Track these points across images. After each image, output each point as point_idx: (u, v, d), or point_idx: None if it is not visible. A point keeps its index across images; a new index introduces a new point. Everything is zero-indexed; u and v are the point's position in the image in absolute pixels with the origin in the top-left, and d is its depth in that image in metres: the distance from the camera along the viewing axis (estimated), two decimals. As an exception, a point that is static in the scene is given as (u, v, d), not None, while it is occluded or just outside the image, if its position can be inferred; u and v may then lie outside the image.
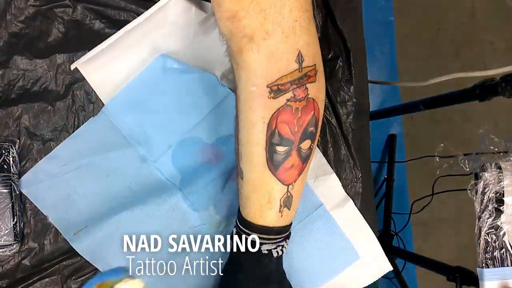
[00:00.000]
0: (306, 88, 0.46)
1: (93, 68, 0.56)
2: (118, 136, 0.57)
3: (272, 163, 0.47)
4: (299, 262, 0.59)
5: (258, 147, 0.47)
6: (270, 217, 0.49)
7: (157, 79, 0.57)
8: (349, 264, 0.59)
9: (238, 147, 0.49)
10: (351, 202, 0.60)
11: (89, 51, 0.55)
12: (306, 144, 0.48)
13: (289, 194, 0.50)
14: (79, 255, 0.56)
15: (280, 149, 0.47)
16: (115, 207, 0.56)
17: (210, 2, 0.48)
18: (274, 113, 0.45)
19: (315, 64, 0.46)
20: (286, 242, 0.51)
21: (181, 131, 0.58)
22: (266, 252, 0.49)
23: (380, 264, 0.61)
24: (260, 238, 0.48)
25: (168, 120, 0.58)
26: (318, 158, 0.60)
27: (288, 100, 0.45)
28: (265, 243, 0.49)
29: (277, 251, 0.50)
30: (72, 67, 0.55)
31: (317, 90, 0.47)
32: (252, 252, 0.48)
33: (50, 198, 0.56)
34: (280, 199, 0.49)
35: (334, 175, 0.60)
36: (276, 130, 0.46)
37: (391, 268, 0.61)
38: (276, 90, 0.45)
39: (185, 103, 0.58)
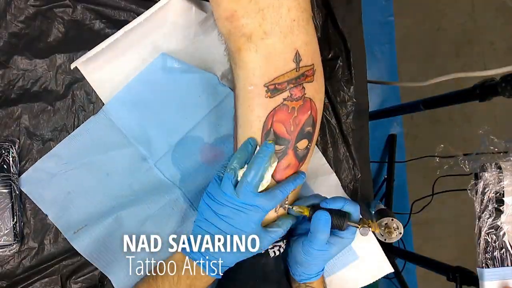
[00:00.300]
0: (303, 87, 0.46)
1: (93, 68, 0.56)
2: (118, 135, 0.57)
3: None
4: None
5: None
6: (267, 217, 0.49)
7: (157, 78, 0.57)
8: (348, 264, 0.59)
9: (236, 146, 0.49)
10: None
11: (89, 51, 0.55)
12: (302, 144, 0.48)
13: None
14: (79, 254, 0.56)
15: (275, 148, 0.47)
16: (116, 206, 0.56)
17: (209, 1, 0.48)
18: (271, 112, 0.45)
19: (313, 64, 0.46)
20: (283, 242, 0.51)
21: (182, 130, 0.58)
22: (263, 251, 0.49)
23: (380, 265, 0.60)
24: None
25: (169, 120, 0.58)
26: (318, 158, 0.60)
27: (284, 99, 0.45)
28: None
29: (274, 251, 0.50)
30: (72, 66, 0.55)
31: (314, 89, 0.47)
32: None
33: (49, 197, 0.56)
34: None
35: (334, 175, 0.60)
36: (272, 129, 0.46)
37: (391, 270, 0.61)
38: (273, 89, 0.45)
39: (185, 103, 0.58)
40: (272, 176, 0.48)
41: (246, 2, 0.42)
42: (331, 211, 0.48)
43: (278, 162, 0.48)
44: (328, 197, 0.51)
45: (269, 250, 0.50)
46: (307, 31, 0.46)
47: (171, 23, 0.57)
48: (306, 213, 0.49)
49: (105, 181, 0.57)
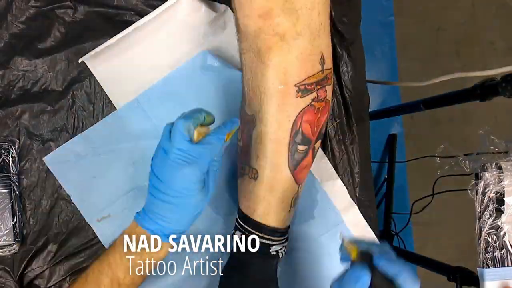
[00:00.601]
0: (326, 89, 0.47)
1: (100, 61, 0.56)
2: (149, 125, 0.57)
3: (292, 162, 0.47)
4: (314, 274, 0.59)
5: (281, 145, 0.46)
6: (281, 218, 0.49)
7: (195, 75, 0.57)
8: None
9: (251, 147, 0.49)
10: (355, 207, 0.60)
11: (89, 51, 0.55)
12: (318, 144, 0.49)
13: (298, 194, 0.50)
14: (79, 254, 0.56)
15: (301, 148, 0.47)
16: (139, 198, 0.56)
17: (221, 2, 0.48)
18: (300, 112, 0.45)
19: (332, 67, 0.47)
20: (287, 242, 0.51)
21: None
22: (274, 253, 0.49)
23: None
24: (269, 239, 0.48)
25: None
26: (324, 163, 0.60)
27: (312, 100, 0.46)
28: (274, 244, 0.49)
29: (281, 252, 0.50)
30: (80, 60, 0.55)
31: (330, 92, 0.49)
32: (259, 253, 0.48)
33: (74, 178, 0.56)
34: (292, 199, 0.49)
35: (340, 180, 0.60)
36: (300, 129, 0.46)
37: None
38: (303, 89, 0.45)
39: (219, 102, 0.58)
40: (294, 176, 0.47)
41: (282, 1, 0.42)
42: (377, 274, 0.37)
43: (300, 163, 0.47)
44: (390, 254, 0.39)
45: (279, 251, 0.49)
46: (329, 35, 0.47)
47: (180, 22, 0.57)
48: (354, 255, 0.40)
49: (131, 171, 0.57)
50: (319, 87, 0.46)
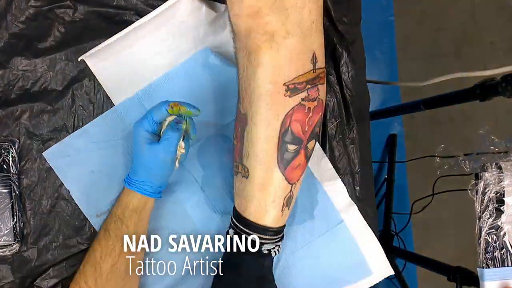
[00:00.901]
0: (318, 89, 0.47)
1: (99, 60, 0.56)
2: None
3: (282, 162, 0.47)
4: (314, 273, 0.59)
5: (270, 144, 0.46)
6: (272, 216, 0.49)
7: (196, 72, 0.57)
8: (362, 278, 0.59)
9: (244, 145, 0.49)
10: (355, 207, 0.60)
11: (89, 51, 0.55)
12: (311, 144, 0.48)
13: (291, 194, 0.49)
14: (79, 254, 0.56)
15: (291, 147, 0.46)
16: None
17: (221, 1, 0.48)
18: (289, 111, 0.45)
19: (325, 67, 0.47)
20: (281, 242, 0.51)
21: (214, 127, 0.58)
22: (266, 252, 0.49)
23: (381, 267, 0.60)
24: (260, 238, 0.48)
25: (202, 114, 0.58)
26: (324, 163, 0.60)
27: (302, 99, 0.45)
28: (266, 243, 0.49)
29: (274, 251, 0.50)
30: (79, 59, 0.55)
31: (324, 92, 0.48)
32: (252, 252, 0.48)
33: (74, 173, 0.56)
34: (284, 198, 0.49)
35: (340, 180, 0.60)
36: (290, 128, 0.46)
37: (392, 273, 0.61)
38: (292, 88, 0.45)
39: (222, 101, 0.58)
40: (285, 175, 0.48)
41: (271, 0, 0.42)
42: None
43: (291, 162, 0.47)
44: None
45: (271, 250, 0.50)
46: (322, 34, 0.46)
47: (180, 22, 0.57)
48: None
49: (130, 166, 0.56)
50: (310, 86, 0.45)
